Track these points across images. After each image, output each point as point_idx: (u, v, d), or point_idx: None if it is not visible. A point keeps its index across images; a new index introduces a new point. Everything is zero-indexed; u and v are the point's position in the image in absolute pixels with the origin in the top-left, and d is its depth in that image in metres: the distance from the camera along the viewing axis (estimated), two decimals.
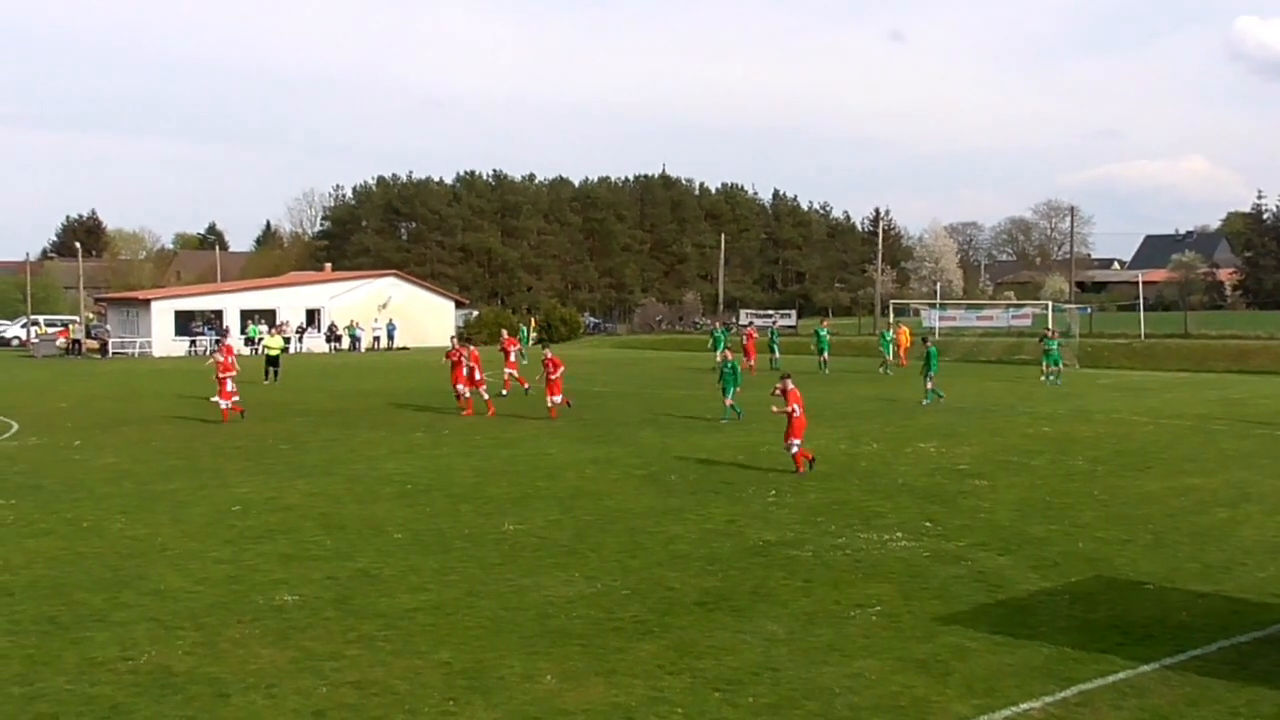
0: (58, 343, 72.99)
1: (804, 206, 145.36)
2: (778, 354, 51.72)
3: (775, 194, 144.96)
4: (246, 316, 74.81)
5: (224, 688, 10.31)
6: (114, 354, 71.23)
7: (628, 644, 11.50)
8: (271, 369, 45.54)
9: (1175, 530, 16.61)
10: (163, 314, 73.55)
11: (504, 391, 36.23)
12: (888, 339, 50.76)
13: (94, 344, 72.99)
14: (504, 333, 43.12)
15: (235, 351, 39.12)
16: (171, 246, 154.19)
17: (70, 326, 76.52)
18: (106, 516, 17.99)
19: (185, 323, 74.11)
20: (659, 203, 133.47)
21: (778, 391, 22.64)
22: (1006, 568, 14.49)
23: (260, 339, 65.92)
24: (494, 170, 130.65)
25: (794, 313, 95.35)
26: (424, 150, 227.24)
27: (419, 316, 79.38)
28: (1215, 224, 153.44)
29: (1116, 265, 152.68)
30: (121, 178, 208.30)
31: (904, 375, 45.49)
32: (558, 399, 31.09)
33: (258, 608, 12.81)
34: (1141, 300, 75.96)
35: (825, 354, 48.74)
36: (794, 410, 21.90)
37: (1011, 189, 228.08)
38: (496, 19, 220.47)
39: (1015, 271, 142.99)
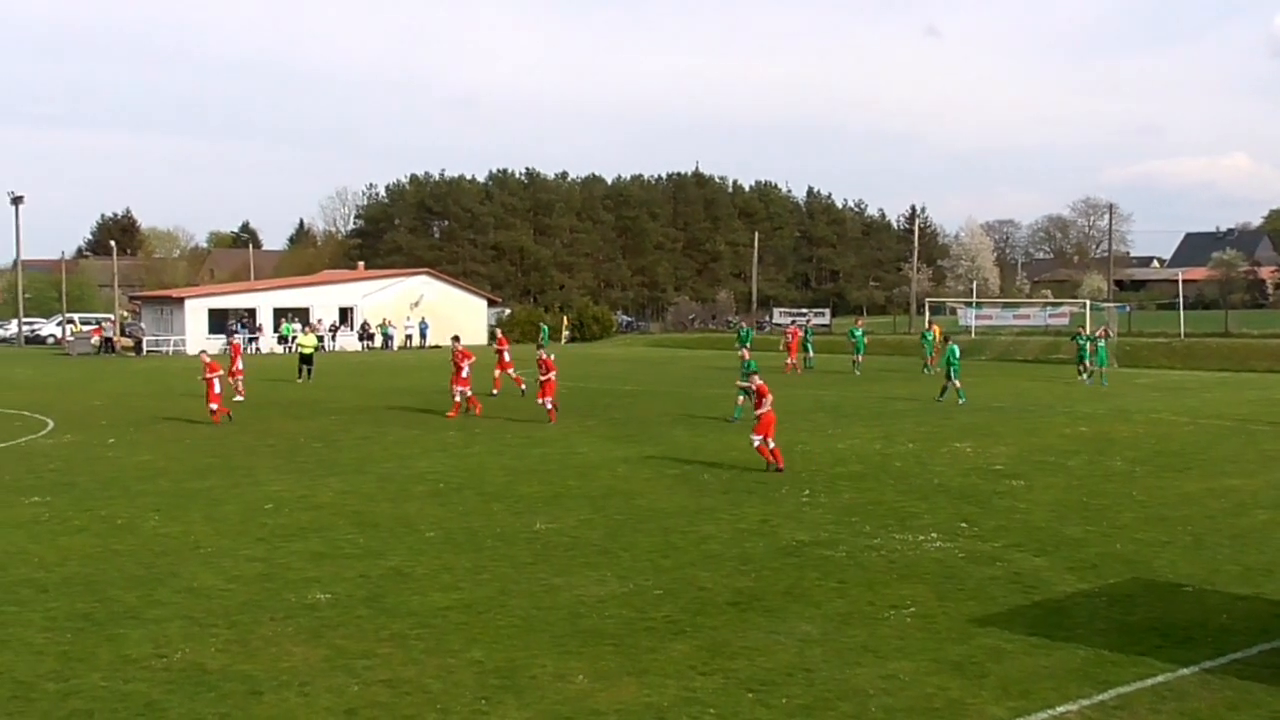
0: (92, 341, 73.54)
1: (838, 204, 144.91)
2: (811, 353, 51.39)
3: (809, 191, 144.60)
4: (280, 315, 75.22)
5: (256, 685, 10.32)
6: (148, 352, 71.72)
7: (660, 644, 11.45)
8: (305, 367, 45.77)
9: (1215, 532, 16.41)
10: (196, 312, 73.98)
11: (494, 391, 35.95)
12: (929, 338, 50.34)
13: (128, 342, 73.50)
14: (498, 332, 42.29)
15: (243, 352, 38.86)
16: (205, 245, 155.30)
17: (102, 325, 76.91)
18: (140, 514, 18.09)
19: (219, 321, 74.53)
20: (692, 201, 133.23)
21: (748, 386, 22.39)
22: (1043, 569, 14.34)
23: (294, 337, 66.24)
24: (526, 168, 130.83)
25: (828, 311, 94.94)
26: (457, 149, 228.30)
27: (451, 315, 79.55)
28: (1257, 221, 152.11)
29: (1156, 263, 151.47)
30: (156, 177, 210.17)
31: (941, 375, 45.15)
32: (548, 401, 29.78)
33: (290, 606, 12.83)
34: (1181, 299, 75.18)
35: (859, 355, 48.33)
36: (763, 405, 21.86)
37: (1049, 186, 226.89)
38: (529, 17, 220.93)
39: (1053, 270, 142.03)
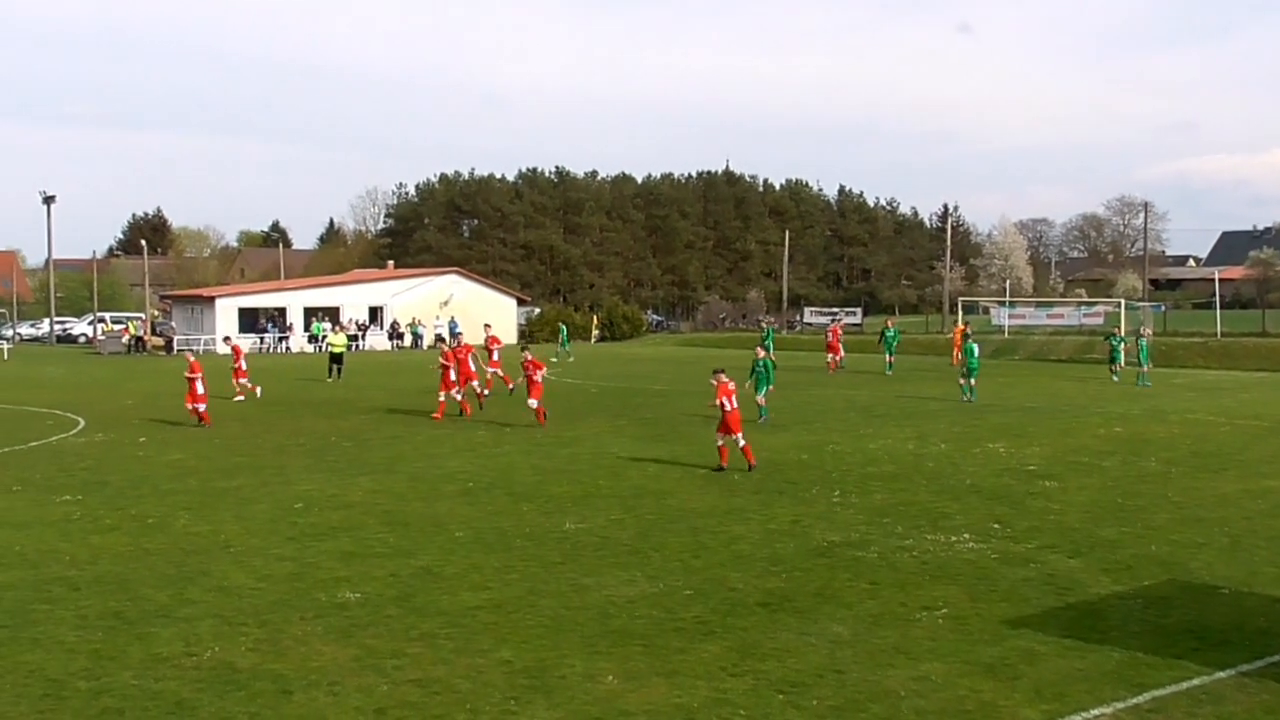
0: (123, 339, 74.06)
1: (870, 203, 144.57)
2: (843, 352, 51.20)
3: (840, 190, 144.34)
4: (310, 314, 75.59)
5: (286, 684, 10.32)
6: (179, 351, 72.21)
7: (690, 645, 11.38)
8: (335, 366, 45.98)
9: (1252, 534, 16.20)
10: (227, 311, 74.47)
11: (486, 391, 35.91)
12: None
13: (159, 341, 73.99)
14: (488, 329, 41.41)
15: (245, 352, 38.84)
16: (236, 244, 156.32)
17: (130, 324, 77.28)
18: (171, 513, 18.16)
19: (249, 320, 74.95)
20: (722, 199, 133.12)
21: (713, 383, 22.25)
22: (1077, 570, 14.19)
23: (324, 336, 66.54)
24: (556, 167, 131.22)
25: (859, 310, 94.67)
26: (486, 148, 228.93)
27: (481, 314, 79.61)
28: None
29: (1191, 262, 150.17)
30: (187, 176, 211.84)
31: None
32: (536, 403, 28.98)
33: (320, 605, 12.84)
34: (1218, 298, 74.57)
35: (890, 355, 48.01)
36: (725, 404, 21.74)
37: (1083, 184, 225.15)
38: (559, 15, 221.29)
39: (1087, 269, 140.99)
